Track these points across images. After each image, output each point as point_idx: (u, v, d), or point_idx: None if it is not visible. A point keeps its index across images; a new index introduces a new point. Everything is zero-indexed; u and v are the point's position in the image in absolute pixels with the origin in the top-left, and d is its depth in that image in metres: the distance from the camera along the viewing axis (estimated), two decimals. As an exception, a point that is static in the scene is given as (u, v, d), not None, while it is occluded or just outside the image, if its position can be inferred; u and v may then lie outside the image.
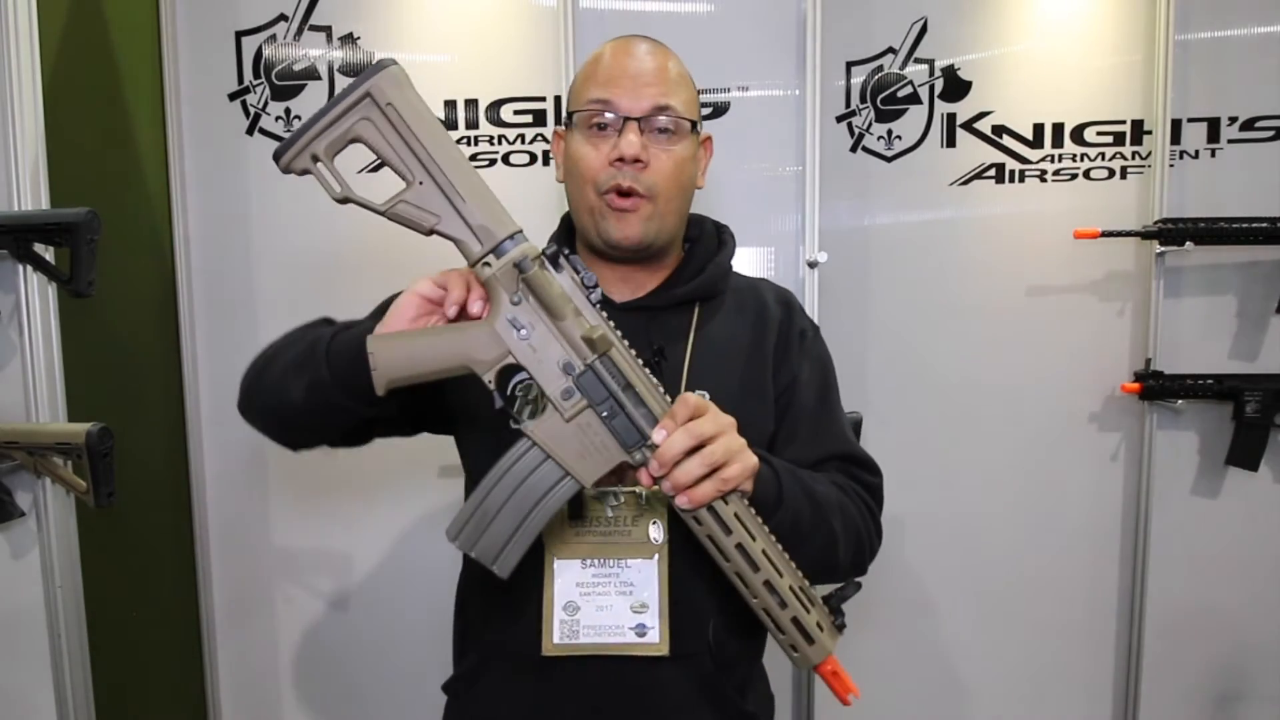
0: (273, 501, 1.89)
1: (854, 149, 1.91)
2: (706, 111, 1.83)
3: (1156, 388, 1.86)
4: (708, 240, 1.09)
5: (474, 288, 0.84)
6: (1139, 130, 1.88)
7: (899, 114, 1.90)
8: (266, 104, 1.81)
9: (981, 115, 1.89)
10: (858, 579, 0.90)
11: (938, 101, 1.89)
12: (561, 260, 0.80)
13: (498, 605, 0.97)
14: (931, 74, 1.88)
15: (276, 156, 0.78)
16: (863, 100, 1.90)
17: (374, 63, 0.77)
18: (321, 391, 0.85)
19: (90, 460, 1.20)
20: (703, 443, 0.80)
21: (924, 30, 1.87)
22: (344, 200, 0.78)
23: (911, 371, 1.94)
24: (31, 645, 1.28)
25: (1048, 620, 1.98)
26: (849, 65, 1.89)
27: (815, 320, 1.82)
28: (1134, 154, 1.89)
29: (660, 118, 0.97)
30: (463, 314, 0.84)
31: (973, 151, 1.90)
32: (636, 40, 1.02)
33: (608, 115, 0.97)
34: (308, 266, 1.79)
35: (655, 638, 0.93)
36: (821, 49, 1.78)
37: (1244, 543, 1.94)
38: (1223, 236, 1.80)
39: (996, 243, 1.91)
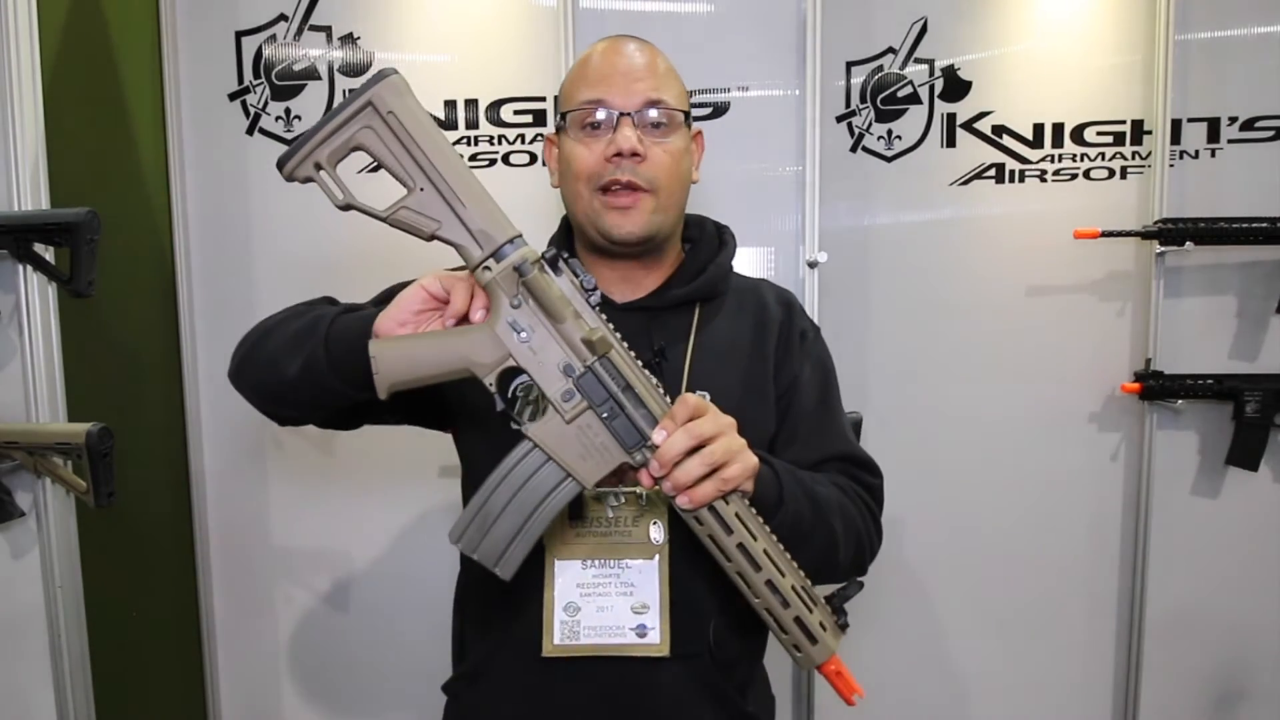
0: (273, 501, 1.89)
1: (854, 149, 1.91)
2: (706, 111, 1.83)
3: (1156, 388, 1.86)
4: (708, 241, 1.09)
5: (476, 296, 0.84)
6: (1139, 130, 1.88)
7: (899, 114, 1.90)
8: (266, 104, 1.81)
9: (981, 115, 1.89)
10: (860, 579, 0.90)
11: (938, 101, 1.89)
12: (561, 263, 0.81)
13: (498, 606, 0.97)
14: (931, 74, 1.88)
15: (280, 165, 0.79)
16: (863, 100, 1.90)
17: (375, 72, 0.78)
18: (316, 372, 0.86)
19: (90, 460, 1.20)
20: (703, 443, 0.80)
21: (924, 30, 1.87)
22: (346, 207, 0.79)
23: (911, 371, 1.94)
24: (31, 645, 1.28)
25: (1048, 620, 1.98)
26: (849, 65, 1.89)
27: (815, 320, 1.82)
28: (1134, 154, 1.89)
29: (653, 111, 0.97)
30: (463, 322, 0.84)
31: (973, 151, 1.90)
32: (623, 39, 1.02)
33: (600, 113, 0.97)
34: (308, 266, 1.78)
35: (656, 638, 0.93)
36: (821, 49, 1.78)
37: (1244, 543, 1.94)
38: (1223, 236, 1.80)
39: (996, 243, 1.91)
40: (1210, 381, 1.86)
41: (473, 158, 1.81)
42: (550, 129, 1.08)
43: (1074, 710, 2.01)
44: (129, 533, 1.67)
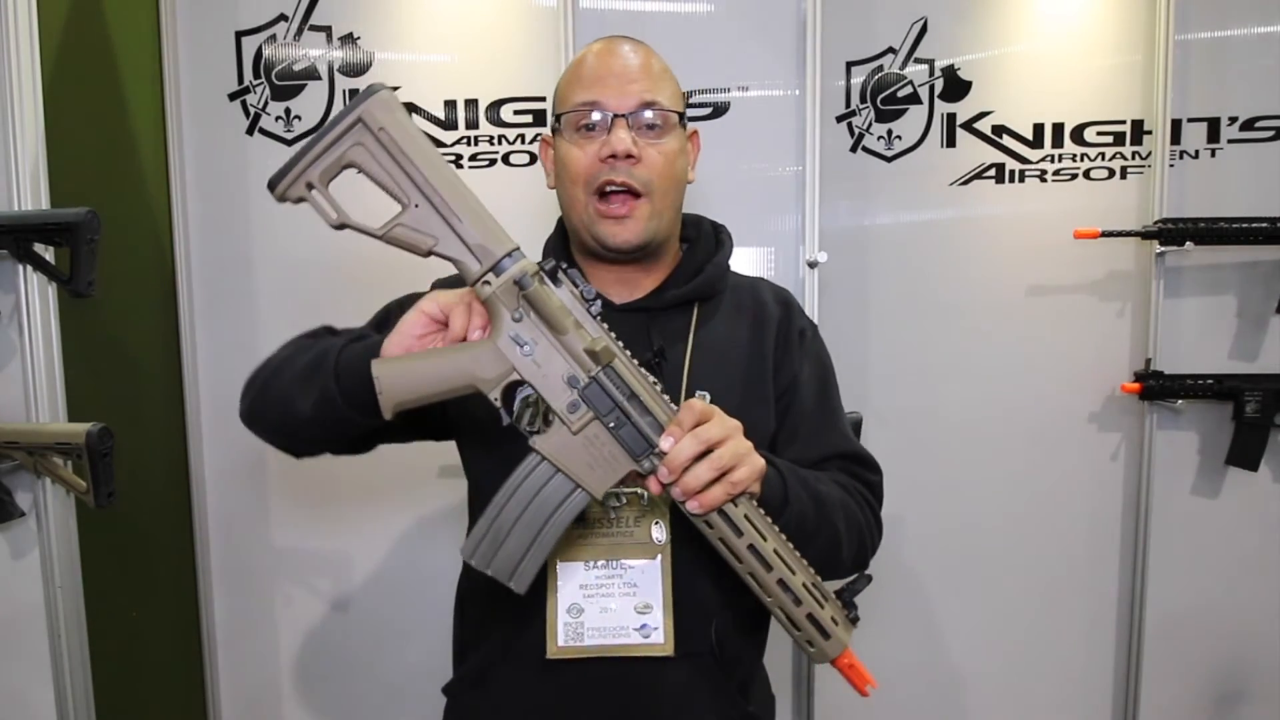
0: (273, 501, 1.89)
1: (854, 149, 1.91)
2: (706, 111, 1.83)
3: (1156, 388, 1.86)
4: (705, 240, 1.09)
5: (475, 315, 0.84)
6: (1139, 130, 1.88)
7: (899, 114, 1.90)
8: (266, 104, 1.81)
9: (981, 115, 1.89)
10: (867, 573, 0.90)
11: (938, 101, 1.89)
12: (560, 275, 0.81)
13: (499, 608, 0.97)
14: (931, 74, 1.88)
15: (271, 186, 0.78)
16: (863, 100, 1.90)
17: (364, 89, 0.78)
18: (330, 405, 0.86)
19: (90, 460, 1.20)
20: (710, 447, 0.80)
21: (924, 30, 1.87)
22: (340, 226, 0.78)
23: (911, 371, 1.94)
24: (31, 645, 1.28)
25: (1048, 620, 1.98)
26: (849, 65, 1.89)
27: (815, 320, 1.82)
28: (1134, 154, 1.89)
29: (647, 113, 0.97)
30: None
31: (973, 151, 1.90)
32: (618, 40, 1.02)
33: (595, 115, 0.97)
34: (308, 266, 1.78)
35: (660, 638, 0.93)
36: (821, 49, 1.78)
37: (1244, 543, 1.94)
38: (1223, 236, 1.80)
39: (996, 243, 1.91)
40: (1210, 381, 1.86)
41: (473, 158, 1.81)
42: (546, 130, 1.07)
43: (1074, 710, 2.01)
44: (129, 533, 1.66)
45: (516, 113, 1.81)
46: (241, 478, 1.88)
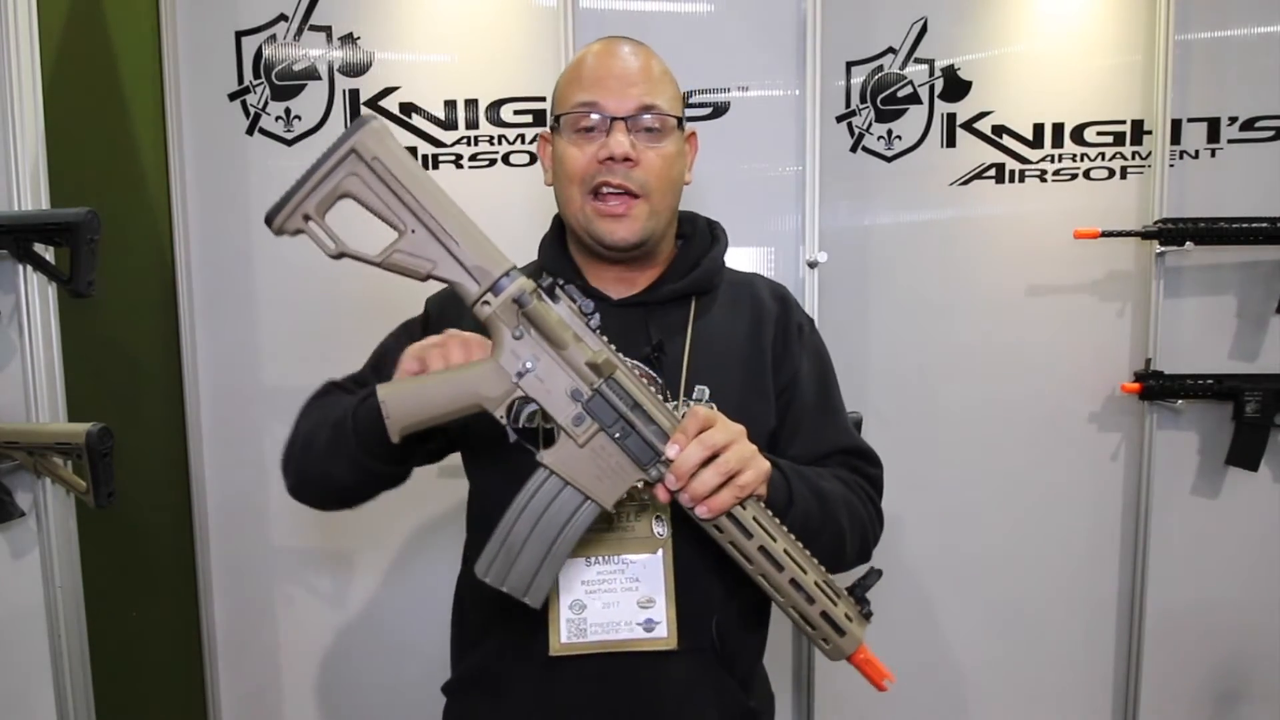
0: (273, 501, 1.89)
1: (854, 149, 1.91)
2: (706, 111, 1.83)
3: (1156, 388, 1.86)
4: (700, 236, 1.09)
5: (453, 351, 0.86)
6: (1139, 130, 1.88)
7: (899, 114, 1.90)
8: (266, 104, 1.81)
9: (981, 115, 1.89)
10: (877, 568, 0.91)
11: (938, 101, 1.89)
12: (558, 290, 0.82)
13: (499, 606, 0.96)
14: (931, 74, 1.88)
15: (268, 220, 0.79)
16: (863, 100, 1.90)
17: (355, 120, 0.79)
18: (363, 468, 0.90)
19: (90, 460, 1.20)
20: (716, 453, 0.81)
21: (924, 30, 1.87)
22: (339, 256, 0.79)
23: (911, 371, 1.94)
24: (31, 645, 1.28)
25: (1047, 620, 1.98)
26: (849, 65, 1.89)
27: (815, 320, 1.82)
28: (1134, 154, 1.89)
29: (646, 117, 0.98)
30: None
31: (973, 151, 1.90)
32: (618, 41, 1.02)
33: (594, 116, 0.97)
34: (307, 266, 1.78)
35: (664, 632, 0.94)
36: (821, 49, 1.78)
37: (1244, 543, 1.94)
38: (1223, 236, 1.80)
39: (996, 243, 1.91)
40: (1210, 381, 1.86)
41: (473, 158, 1.81)
42: (545, 129, 1.08)
43: (1074, 710, 2.01)
44: (129, 533, 1.66)
45: (516, 113, 1.81)
46: (241, 478, 1.87)
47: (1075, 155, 1.90)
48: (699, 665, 0.97)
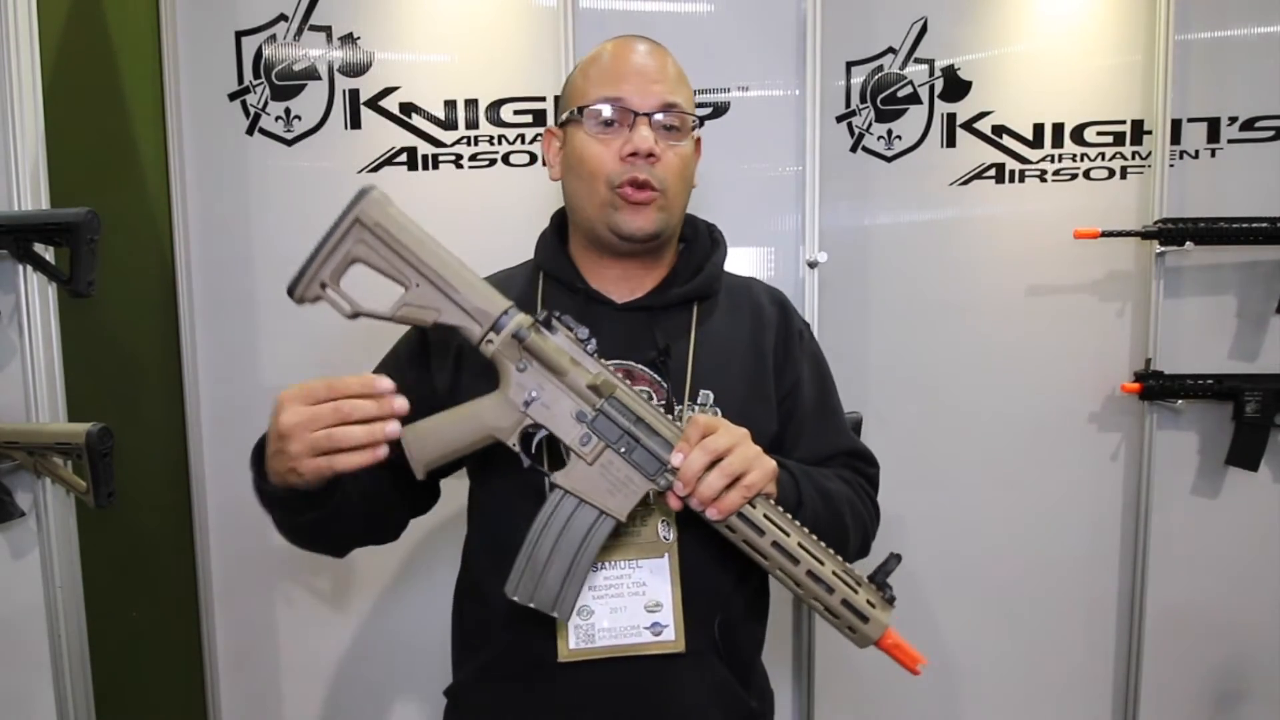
0: (273, 501, 1.88)
1: (854, 149, 1.91)
2: (706, 111, 1.83)
3: (1156, 388, 1.86)
4: (701, 240, 1.10)
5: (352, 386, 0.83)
6: (1139, 130, 1.88)
7: (899, 114, 1.90)
8: (266, 104, 1.81)
9: (981, 115, 1.89)
10: (896, 553, 0.92)
11: (938, 101, 1.89)
12: (554, 322, 0.87)
13: (503, 610, 0.96)
14: (931, 74, 1.88)
15: (290, 291, 0.85)
16: (863, 100, 1.90)
17: (356, 192, 0.84)
18: (305, 527, 0.91)
19: (90, 460, 1.20)
20: (719, 456, 0.84)
21: (924, 30, 1.87)
22: (355, 316, 0.85)
23: (911, 371, 1.94)
24: (31, 645, 1.28)
25: (1048, 620, 1.98)
26: (849, 65, 1.89)
27: (815, 320, 1.82)
28: (1134, 154, 1.89)
29: (668, 114, 0.99)
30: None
31: (973, 151, 1.90)
32: (635, 39, 1.03)
33: (617, 112, 0.97)
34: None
35: (671, 634, 0.95)
36: (821, 49, 1.78)
37: (1244, 543, 1.94)
38: (1223, 236, 1.80)
39: (996, 243, 1.91)
40: (1210, 381, 1.86)
41: (473, 158, 1.81)
42: (553, 125, 1.08)
43: (1074, 709, 2.01)
44: (129, 533, 1.66)
45: (516, 113, 1.81)
46: (241, 478, 1.84)
47: (1075, 155, 1.90)
48: (704, 666, 0.97)
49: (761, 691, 1.07)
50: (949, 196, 1.91)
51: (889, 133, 1.90)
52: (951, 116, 1.89)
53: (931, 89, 1.89)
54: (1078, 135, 1.89)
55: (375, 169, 1.79)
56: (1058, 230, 1.86)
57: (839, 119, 1.90)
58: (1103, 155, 1.90)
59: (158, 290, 1.81)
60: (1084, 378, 1.94)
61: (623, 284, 1.04)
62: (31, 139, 1.24)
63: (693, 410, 0.98)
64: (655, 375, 0.99)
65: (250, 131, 1.81)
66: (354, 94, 1.79)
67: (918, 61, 1.88)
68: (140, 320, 1.77)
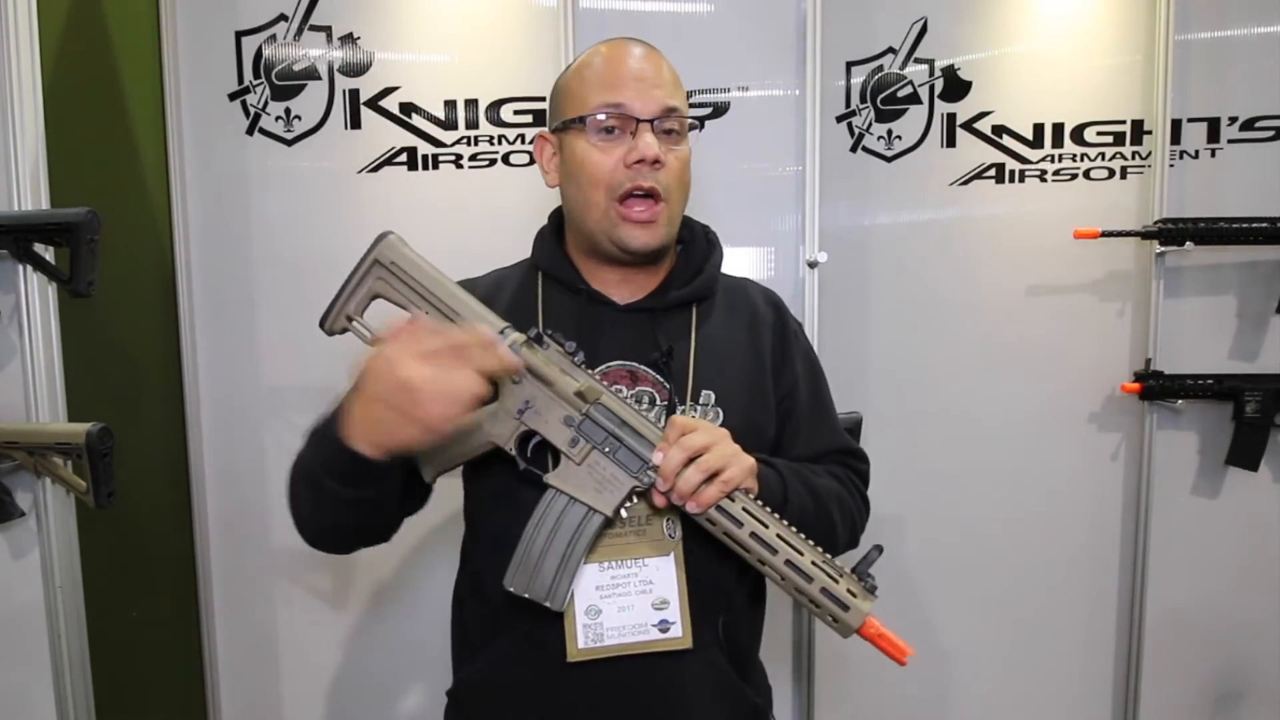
0: (273, 501, 1.89)
1: (854, 149, 1.91)
2: (706, 111, 1.83)
3: (1156, 388, 1.86)
4: (699, 242, 1.10)
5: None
6: (1139, 130, 1.88)
7: (899, 114, 1.90)
8: (266, 104, 1.81)
9: (981, 115, 1.89)
10: (878, 545, 0.95)
11: (938, 101, 1.89)
12: (544, 338, 0.93)
13: (505, 609, 0.97)
14: (931, 74, 1.88)
15: (322, 323, 0.97)
16: (863, 100, 1.90)
17: (376, 236, 0.96)
18: (350, 500, 0.90)
19: (90, 460, 1.20)
20: (698, 454, 0.88)
21: (924, 30, 1.87)
22: (375, 343, 0.92)
23: (911, 371, 1.94)
24: (31, 645, 1.28)
25: (1047, 620, 1.98)
26: (849, 65, 1.89)
27: (815, 320, 1.82)
28: (1134, 154, 1.89)
29: (669, 119, 0.98)
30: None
31: (973, 151, 1.90)
32: (629, 42, 1.02)
33: (619, 119, 0.97)
34: (308, 266, 1.78)
35: (679, 632, 0.96)
36: (821, 49, 1.78)
37: (1244, 543, 1.94)
38: (1223, 236, 1.80)
39: (996, 243, 1.91)
40: (1210, 381, 1.86)
41: (473, 158, 1.81)
42: (546, 131, 1.07)
43: (1074, 710, 2.01)
44: (129, 533, 1.67)
45: (516, 113, 1.81)
46: (241, 478, 1.87)
47: (1075, 155, 1.90)
48: (709, 662, 0.98)
49: (761, 687, 1.08)
50: (949, 196, 1.91)
51: (889, 133, 1.90)
52: (951, 116, 1.89)
53: (931, 89, 1.89)
54: (1078, 135, 1.89)
55: (375, 169, 1.79)
56: (1058, 230, 1.86)
57: (839, 119, 1.90)
58: (1103, 155, 1.90)
59: (158, 290, 1.81)
60: (1084, 378, 1.94)
61: (623, 286, 1.05)
62: (31, 139, 1.24)
63: (695, 411, 0.99)
64: (658, 376, 1.00)
65: (250, 131, 1.81)
66: (354, 94, 1.79)
67: (918, 61, 1.88)
68: (140, 320, 1.77)
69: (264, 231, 1.82)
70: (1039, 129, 1.89)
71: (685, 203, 1.04)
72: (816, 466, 1.05)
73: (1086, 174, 1.90)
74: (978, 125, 1.89)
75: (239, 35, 1.79)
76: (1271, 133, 1.87)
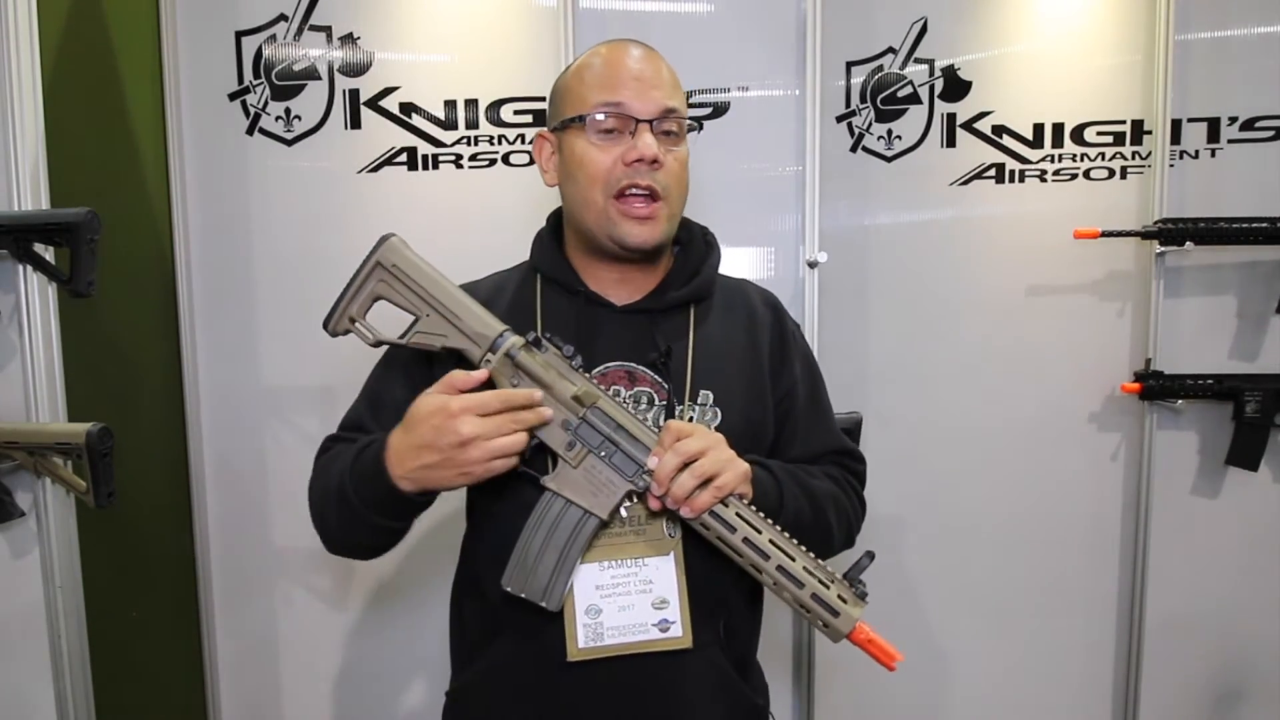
0: (273, 501, 1.89)
1: (854, 149, 1.91)
2: (706, 111, 1.83)
3: (1156, 388, 1.86)
4: (696, 243, 1.10)
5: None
6: (1139, 130, 1.88)
7: (899, 114, 1.90)
8: (266, 104, 1.81)
9: (981, 115, 1.89)
10: (870, 550, 0.95)
11: (938, 101, 1.89)
12: (543, 342, 0.94)
13: (506, 610, 0.97)
14: (931, 74, 1.88)
15: (325, 325, 0.99)
16: (863, 100, 1.90)
17: (378, 239, 0.98)
18: (383, 529, 0.97)
19: (90, 460, 1.20)
20: (692, 459, 0.88)
21: (924, 30, 1.87)
22: (378, 344, 0.99)
23: (911, 371, 1.93)
24: (31, 645, 1.28)
25: (1047, 620, 1.98)
26: (849, 65, 1.89)
27: (815, 320, 1.82)
28: (1134, 154, 1.89)
29: (668, 120, 0.99)
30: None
31: (973, 151, 1.90)
32: (628, 43, 1.03)
33: (618, 119, 0.98)
34: (308, 266, 1.78)
35: (679, 631, 0.96)
36: (821, 49, 1.78)
37: (1244, 543, 1.94)
38: (1223, 236, 1.80)
39: (996, 243, 1.91)
40: (1210, 381, 1.86)
41: (473, 158, 1.81)
42: (545, 130, 1.08)
43: (1074, 710, 2.01)
44: (129, 533, 1.67)
45: (516, 113, 1.81)
46: (241, 478, 1.88)
47: (1075, 155, 1.90)
48: (709, 661, 0.99)
49: (761, 687, 1.09)
50: (949, 196, 1.91)
51: (889, 133, 1.90)
52: (951, 116, 1.89)
53: (931, 89, 1.89)
54: (1078, 135, 1.89)
55: (375, 169, 1.79)
56: (1058, 230, 1.86)
57: (839, 119, 1.90)
58: (1103, 155, 1.90)
59: (158, 290, 1.81)
60: (1084, 378, 1.94)
61: (621, 287, 1.05)
62: (31, 139, 1.24)
63: (693, 411, 0.99)
64: (656, 377, 1.00)
65: (250, 131, 1.81)
66: (354, 94, 1.80)
67: (918, 61, 1.88)
68: (140, 320, 1.77)
69: (264, 231, 1.82)
70: (1039, 129, 1.89)
71: (684, 203, 1.04)
72: (813, 467, 1.06)
73: (1086, 174, 1.90)
74: (978, 125, 1.89)
75: (239, 35, 1.79)
76: (1271, 133, 1.87)
